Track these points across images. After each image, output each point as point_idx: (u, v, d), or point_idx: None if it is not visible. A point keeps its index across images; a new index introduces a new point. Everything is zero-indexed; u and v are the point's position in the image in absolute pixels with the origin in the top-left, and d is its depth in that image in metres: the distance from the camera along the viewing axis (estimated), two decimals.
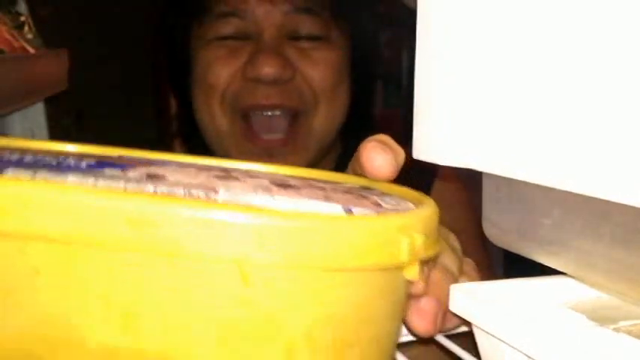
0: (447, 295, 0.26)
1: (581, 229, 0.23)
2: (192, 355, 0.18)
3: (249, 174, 0.27)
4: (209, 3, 0.58)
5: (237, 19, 0.57)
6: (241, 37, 0.57)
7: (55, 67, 1.04)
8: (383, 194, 0.26)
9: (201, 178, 0.24)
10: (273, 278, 0.18)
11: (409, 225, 0.20)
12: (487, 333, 0.25)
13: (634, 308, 0.24)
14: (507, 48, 0.22)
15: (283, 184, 0.25)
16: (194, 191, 0.21)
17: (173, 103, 0.70)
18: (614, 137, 0.19)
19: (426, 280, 0.25)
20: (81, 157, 0.26)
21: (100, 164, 0.24)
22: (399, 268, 0.20)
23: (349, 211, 0.21)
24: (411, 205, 0.24)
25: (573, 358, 0.21)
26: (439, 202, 0.25)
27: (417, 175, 0.35)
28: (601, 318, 0.23)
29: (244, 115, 0.58)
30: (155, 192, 0.20)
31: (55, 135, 1.16)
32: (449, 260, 0.29)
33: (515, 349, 0.23)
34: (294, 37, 0.57)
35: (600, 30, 0.19)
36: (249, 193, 0.22)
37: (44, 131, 1.13)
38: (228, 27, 0.57)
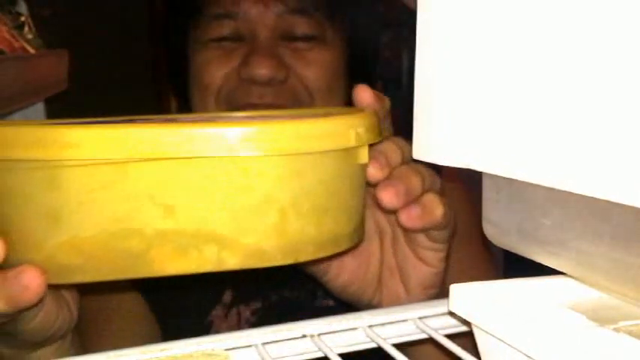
0: (412, 183, 0.33)
1: (581, 230, 0.23)
2: (214, 228, 0.27)
3: (246, 116, 0.38)
4: (203, 5, 0.58)
5: (231, 21, 0.57)
6: (236, 38, 0.58)
7: (55, 68, 1.04)
8: (339, 113, 0.34)
9: (207, 117, 0.33)
10: (263, 166, 0.26)
11: (354, 122, 0.29)
12: (487, 333, 0.25)
13: (634, 308, 0.24)
14: (507, 48, 0.22)
15: (266, 117, 0.35)
16: (204, 119, 0.29)
17: (173, 102, 0.71)
18: (614, 137, 0.19)
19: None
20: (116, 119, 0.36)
21: (130, 121, 0.33)
22: (352, 150, 0.29)
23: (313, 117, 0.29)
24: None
25: (573, 358, 0.21)
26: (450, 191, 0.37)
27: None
28: (601, 318, 0.23)
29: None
30: (173, 121, 0.29)
31: None
32: (423, 169, 0.35)
33: (515, 349, 0.23)
34: (289, 38, 0.58)
35: (600, 31, 0.19)
36: (243, 118, 0.32)
37: None
38: (223, 29, 0.58)
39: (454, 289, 0.27)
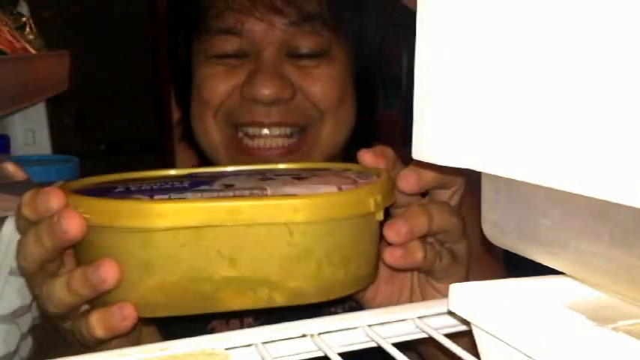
0: (418, 220, 0.39)
1: (580, 230, 0.23)
2: (267, 275, 0.35)
3: (276, 172, 0.45)
4: (206, 20, 0.57)
5: (235, 37, 0.56)
6: (240, 54, 0.57)
7: (56, 68, 1.04)
8: (358, 173, 0.43)
9: (252, 181, 0.40)
10: (305, 229, 0.35)
11: (373, 190, 0.37)
12: (486, 332, 0.25)
13: (633, 308, 0.24)
14: (507, 48, 0.22)
15: (299, 177, 0.42)
16: (255, 191, 0.37)
17: (177, 110, 0.70)
18: (614, 138, 0.19)
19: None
20: (181, 178, 0.43)
21: (194, 184, 0.40)
22: (372, 214, 0.37)
23: (340, 189, 0.38)
24: (375, 177, 0.41)
25: (573, 358, 0.21)
26: (470, 211, 0.43)
27: None
28: (600, 318, 0.23)
29: (238, 128, 0.58)
30: (234, 195, 0.36)
31: (56, 135, 1.16)
32: (435, 210, 0.40)
33: (514, 348, 0.23)
34: (294, 55, 0.56)
35: (599, 31, 0.19)
36: (281, 186, 0.38)
37: (45, 131, 1.13)
38: (226, 45, 0.56)
39: (454, 288, 0.27)
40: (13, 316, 0.53)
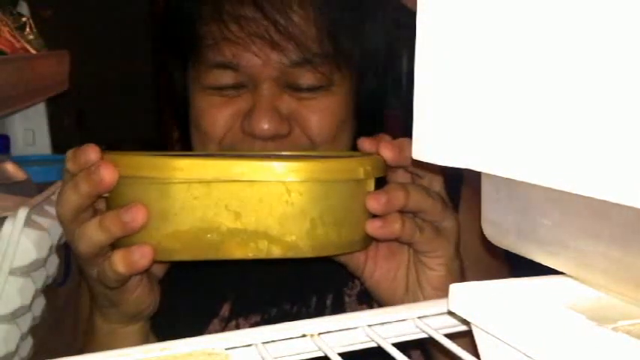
0: (396, 193, 0.43)
1: (580, 230, 0.23)
2: (266, 229, 0.40)
3: (285, 156, 0.51)
4: (203, 51, 0.55)
5: (232, 71, 0.54)
6: (237, 86, 0.55)
7: (56, 68, 1.04)
8: (351, 156, 0.47)
9: (262, 156, 0.47)
10: (301, 189, 0.40)
11: (364, 162, 0.42)
12: (486, 332, 0.25)
13: (633, 308, 0.24)
14: (507, 48, 0.22)
15: (305, 157, 0.49)
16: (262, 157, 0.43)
17: (175, 129, 0.70)
18: (614, 138, 0.19)
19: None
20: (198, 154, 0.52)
21: (211, 155, 0.49)
22: (362, 181, 0.42)
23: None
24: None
25: (573, 358, 0.21)
26: (469, 210, 0.54)
27: (446, 179, 0.48)
28: (600, 317, 0.23)
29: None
30: (243, 156, 0.44)
31: (56, 135, 1.16)
32: (412, 187, 0.44)
33: (514, 348, 0.23)
34: (293, 88, 0.55)
35: (599, 30, 0.19)
36: (286, 157, 0.45)
37: (45, 131, 1.13)
38: (223, 78, 0.55)
39: (454, 288, 0.27)
40: (13, 316, 0.53)
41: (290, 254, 0.41)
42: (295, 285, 0.60)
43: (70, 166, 0.42)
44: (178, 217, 0.39)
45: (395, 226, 0.43)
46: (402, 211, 0.44)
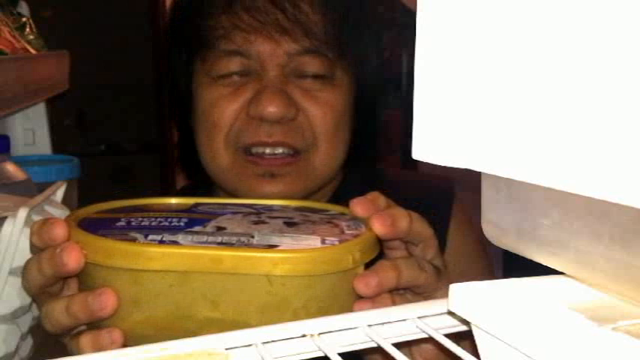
0: (387, 274, 0.41)
1: (580, 230, 0.23)
2: (246, 319, 0.37)
3: (272, 213, 0.46)
4: (213, 41, 0.57)
5: (241, 57, 0.56)
6: (245, 73, 0.57)
7: (56, 68, 1.04)
8: (348, 218, 0.45)
9: (245, 225, 0.42)
10: (284, 281, 0.37)
11: (352, 247, 0.39)
12: (486, 332, 0.25)
13: (633, 308, 0.24)
14: (507, 48, 0.22)
15: (290, 223, 0.44)
16: (242, 238, 0.39)
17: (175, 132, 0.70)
18: (614, 137, 0.19)
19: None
20: (177, 212, 0.45)
21: (189, 223, 0.42)
22: (349, 270, 0.39)
23: (323, 241, 0.40)
24: (363, 227, 0.43)
25: (572, 358, 0.21)
26: (458, 227, 0.52)
27: (437, 197, 0.42)
28: (600, 317, 0.23)
29: (246, 150, 0.59)
30: (222, 242, 0.39)
31: (56, 135, 1.16)
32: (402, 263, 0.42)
33: (514, 348, 0.23)
34: (299, 76, 0.57)
35: (599, 30, 0.19)
36: (270, 234, 0.41)
37: (45, 131, 1.13)
38: (233, 65, 0.57)
39: (454, 288, 0.27)
40: (13, 316, 0.53)
41: None
42: None
43: (34, 239, 0.39)
44: (152, 305, 0.37)
45: (386, 302, 0.41)
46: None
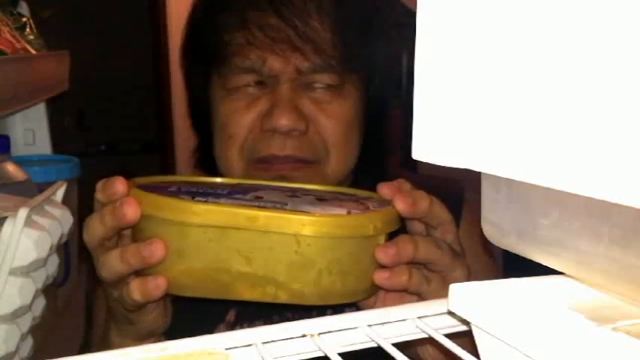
0: (405, 246, 0.44)
1: (579, 230, 0.23)
2: (274, 275, 0.42)
3: (305, 192, 0.51)
4: (228, 56, 0.60)
5: (254, 74, 0.60)
6: (260, 84, 0.60)
7: (56, 68, 1.04)
8: (377, 201, 0.48)
9: (280, 197, 0.47)
10: (310, 242, 0.41)
11: (374, 217, 0.43)
12: (486, 332, 0.25)
13: (633, 308, 0.24)
14: (507, 48, 0.22)
15: (321, 199, 0.48)
16: (277, 205, 0.43)
17: (194, 136, 0.74)
18: (614, 138, 0.19)
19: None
20: (223, 186, 0.50)
21: (232, 192, 0.47)
22: (370, 237, 0.43)
23: (349, 212, 0.44)
24: (387, 205, 0.46)
25: (572, 358, 0.21)
26: (468, 228, 0.55)
27: (448, 198, 0.50)
28: (600, 317, 0.23)
29: (257, 163, 0.61)
30: (259, 205, 0.43)
31: (56, 135, 1.16)
32: (422, 240, 0.46)
33: (514, 348, 0.23)
34: (309, 87, 0.60)
35: (599, 30, 0.19)
36: (301, 204, 0.45)
37: (45, 131, 1.13)
38: (246, 79, 0.60)
39: (453, 288, 0.27)
40: (13, 316, 0.53)
41: (296, 300, 0.42)
42: None
43: (99, 196, 0.45)
44: (193, 257, 0.42)
45: (402, 278, 0.44)
46: (411, 262, 0.45)
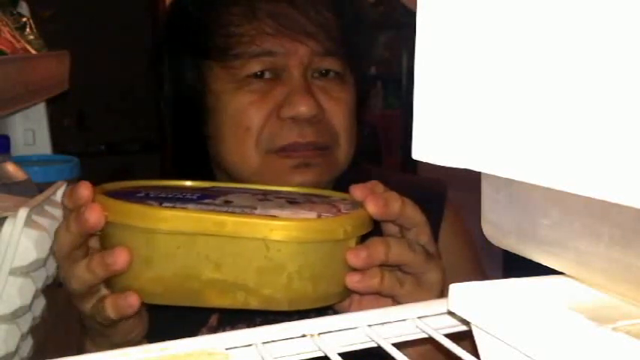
0: (377, 248, 0.44)
1: (579, 230, 0.23)
2: (244, 282, 0.41)
3: (277, 195, 0.50)
4: (238, 47, 0.60)
5: (267, 57, 0.60)
6: (270, 77, 0.60)
7: (56, 68, 1.04)
8: (350, 203, 0.48)
9: (251, 201, 0.46)
10: (280, 247, 0.40)
11: (344, 221, 0.43)
12: (486, 332, 0.25)
13: (633, 308, 0.24)
14: (507, 48, 0.22)
15: (293, 202, 0.47)
16: (245, 209, 0.43)
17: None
18: (614, 138, 0.19)
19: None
20: (192, 190, 0.49)
21: (201, 197, 0.46)
22: (341, 241, 0.42)
23: (319, 216, 0.43)
24: (359, 208, 0.45)
25: (572, 358, 0.21)
26: (450, 227, 0.57)
27: (430, 197, 0.52)
28: (600, 317, 0.23)
29: (278, 152, 0.61)
30: (228, 210, 0.42)
31: (56, 135, 1.16)
32: (394, 242, 0.46)
33: (514, 348, 0.23)
34: (318, 75, 0.62)
35: (599, 30, 0.19)
36: (271, 208, 0.44)
37: (45, 131, 1.13)
38: (258, 66, 0.60)
39: (453, 288, 0.27)
40: (13, 316, 0.53)
41: (266, 306, 0.42)
42: None
43: (65, 202, 0.45)
44: (162, 264, 0.41)
45: (374, 281, 0.44)
46: (384, 264, 0.44)
